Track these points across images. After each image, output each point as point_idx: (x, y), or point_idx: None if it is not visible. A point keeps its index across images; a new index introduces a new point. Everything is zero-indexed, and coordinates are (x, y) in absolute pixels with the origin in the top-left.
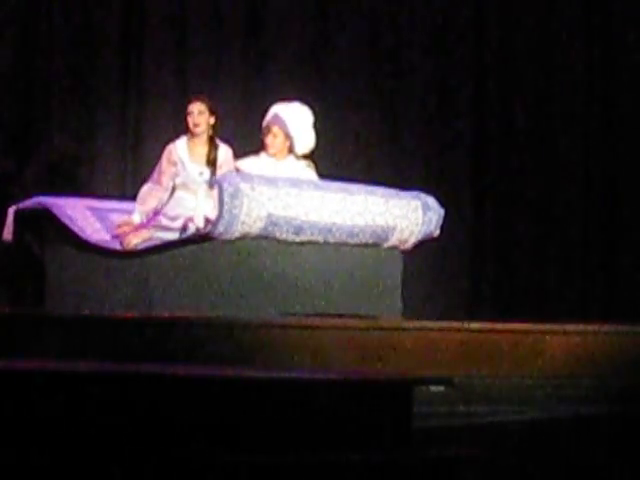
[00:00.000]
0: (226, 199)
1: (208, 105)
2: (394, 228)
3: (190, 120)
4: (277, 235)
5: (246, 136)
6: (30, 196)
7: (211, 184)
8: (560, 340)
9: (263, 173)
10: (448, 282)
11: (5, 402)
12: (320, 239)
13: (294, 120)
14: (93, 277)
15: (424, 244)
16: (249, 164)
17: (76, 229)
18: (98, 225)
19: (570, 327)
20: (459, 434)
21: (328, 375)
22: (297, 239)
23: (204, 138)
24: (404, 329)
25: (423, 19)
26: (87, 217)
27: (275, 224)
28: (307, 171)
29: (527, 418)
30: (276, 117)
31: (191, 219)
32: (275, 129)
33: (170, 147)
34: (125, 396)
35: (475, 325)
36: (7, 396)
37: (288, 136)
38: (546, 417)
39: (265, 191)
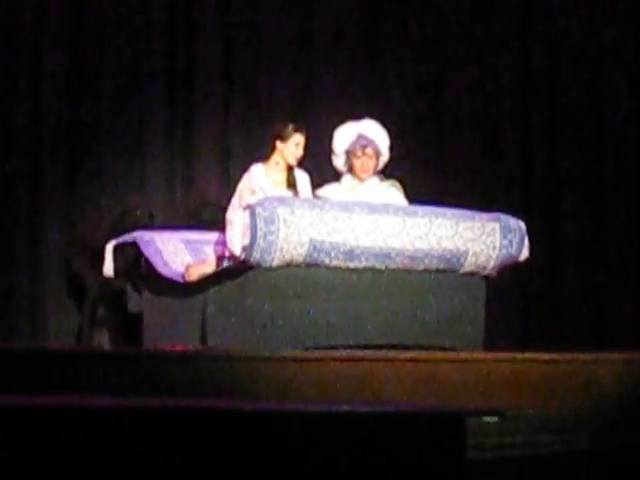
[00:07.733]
0: (260, 224)
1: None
2: (466, 252)
3: (297, 151)
4: (326, 262)
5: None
6: (133, 230)
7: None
8: (610, 369)
9: (345, 199)
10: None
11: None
12: (377, 265)
13: (381, 138)
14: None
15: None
16: (331, 191)
17: (158, 262)
18: (189, 258)
19: (622, 356)
20: (512, 465)
21: (379, 408)
22: (351, 265)
23: (282, 165)
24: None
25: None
26: (179, 250)
27: (320, 250)
28: (392, 191)
29: (578, 448)
30: (364, 138)
31: (228, 247)
32: (368, 151)
33: (248, 175)
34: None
35: (523, 356)
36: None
37: (378, 155)
38: (598, 448)
39: (307, 215)
